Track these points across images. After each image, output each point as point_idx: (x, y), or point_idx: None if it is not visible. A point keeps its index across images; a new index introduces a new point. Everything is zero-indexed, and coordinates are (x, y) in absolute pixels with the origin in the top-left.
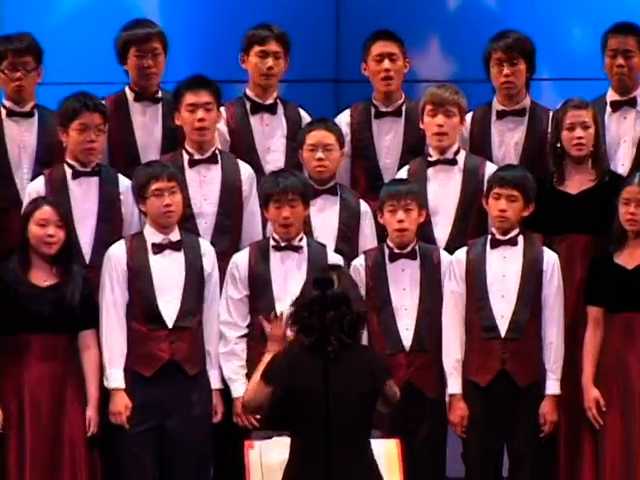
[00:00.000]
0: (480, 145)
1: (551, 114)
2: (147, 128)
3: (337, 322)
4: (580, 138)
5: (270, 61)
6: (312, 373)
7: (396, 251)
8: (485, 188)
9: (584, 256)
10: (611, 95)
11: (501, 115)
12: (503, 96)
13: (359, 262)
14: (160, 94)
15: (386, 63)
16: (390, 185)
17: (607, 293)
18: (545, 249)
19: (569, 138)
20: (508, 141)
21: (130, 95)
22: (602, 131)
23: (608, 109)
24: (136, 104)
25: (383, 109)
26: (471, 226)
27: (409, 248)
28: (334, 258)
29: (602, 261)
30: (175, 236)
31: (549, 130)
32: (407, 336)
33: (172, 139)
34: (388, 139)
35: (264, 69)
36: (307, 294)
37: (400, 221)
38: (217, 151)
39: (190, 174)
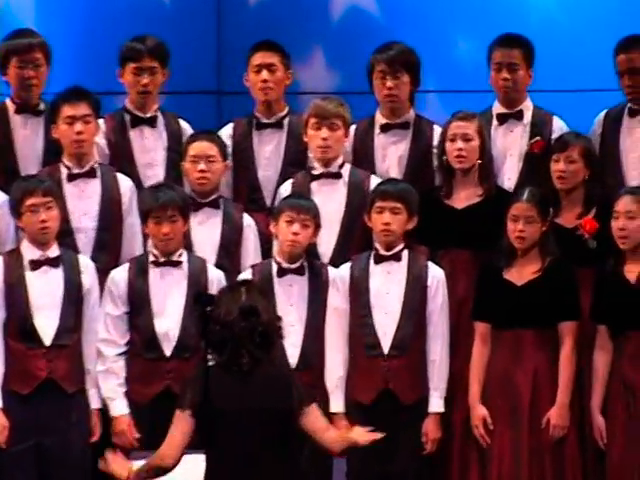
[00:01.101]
0: (363, 158)
1: (436, 127)
2: (28, 141)
3: (248, 334)
4: (460, 150)
5: (145, 78)
6: (224, 392)
7: (284, 266)
8: (368, 203)
9: (466, 271)
10: (497, 108)
11: (385, 128)
12: (387, 109)
13: (245, 277)
14: (42, 106)
15: (264, 74)
16: (292, 198)
17: (495, 309)
18: (430, 264)
19: (451, 150)
20: (392, 155)
21: (11, 107)
22: (488, 145)
23: (494, 122)
24: (17, 116)
25: (264, 120)
26: (355, 241)
27: (298, 264)
28: (215, 273)
29: (490, 277)
30: (53, 252)
31: (434, 143)
32: (293, 353)
33: (54, 152)
34: (268, 150)
35: (140, 87)
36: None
37: (295, 233)
38: (96, 165)
39: (69, 188)
